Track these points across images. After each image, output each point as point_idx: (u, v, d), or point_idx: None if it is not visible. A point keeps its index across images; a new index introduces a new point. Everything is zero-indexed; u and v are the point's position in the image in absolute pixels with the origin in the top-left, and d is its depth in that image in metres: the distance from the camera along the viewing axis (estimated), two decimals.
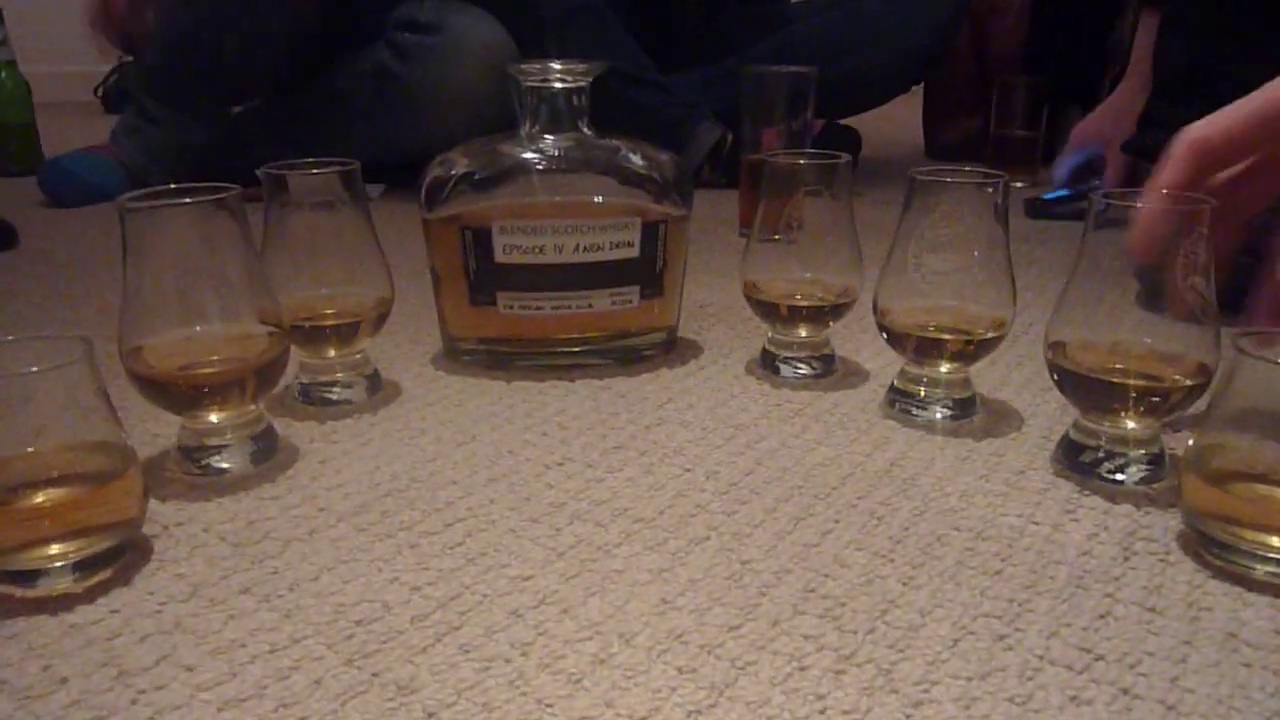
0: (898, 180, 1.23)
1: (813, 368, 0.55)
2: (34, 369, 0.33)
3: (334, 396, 0.51)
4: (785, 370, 0.55)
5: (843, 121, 1.30)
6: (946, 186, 0.47)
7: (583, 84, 0.54)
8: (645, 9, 1.25)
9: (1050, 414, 0.50)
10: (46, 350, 0.34)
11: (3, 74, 1.26)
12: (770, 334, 0.56)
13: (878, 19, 1.16)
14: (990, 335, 0.47)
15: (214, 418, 0.43)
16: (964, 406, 0.49)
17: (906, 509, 0.40)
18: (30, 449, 0.34)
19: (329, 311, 0.50)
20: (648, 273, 0.55)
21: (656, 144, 0.57)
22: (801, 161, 0.54)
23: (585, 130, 0.55)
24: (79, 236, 0.92)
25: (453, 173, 0.54)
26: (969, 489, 0.42)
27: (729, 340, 0.61)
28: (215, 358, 0.42)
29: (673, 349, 0.59)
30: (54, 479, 0.34)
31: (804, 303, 0.54)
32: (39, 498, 0.34)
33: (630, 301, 0.55)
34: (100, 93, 2.12)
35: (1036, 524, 0.39)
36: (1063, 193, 1.03)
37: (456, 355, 0.57)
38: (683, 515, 0.40)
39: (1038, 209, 1.02)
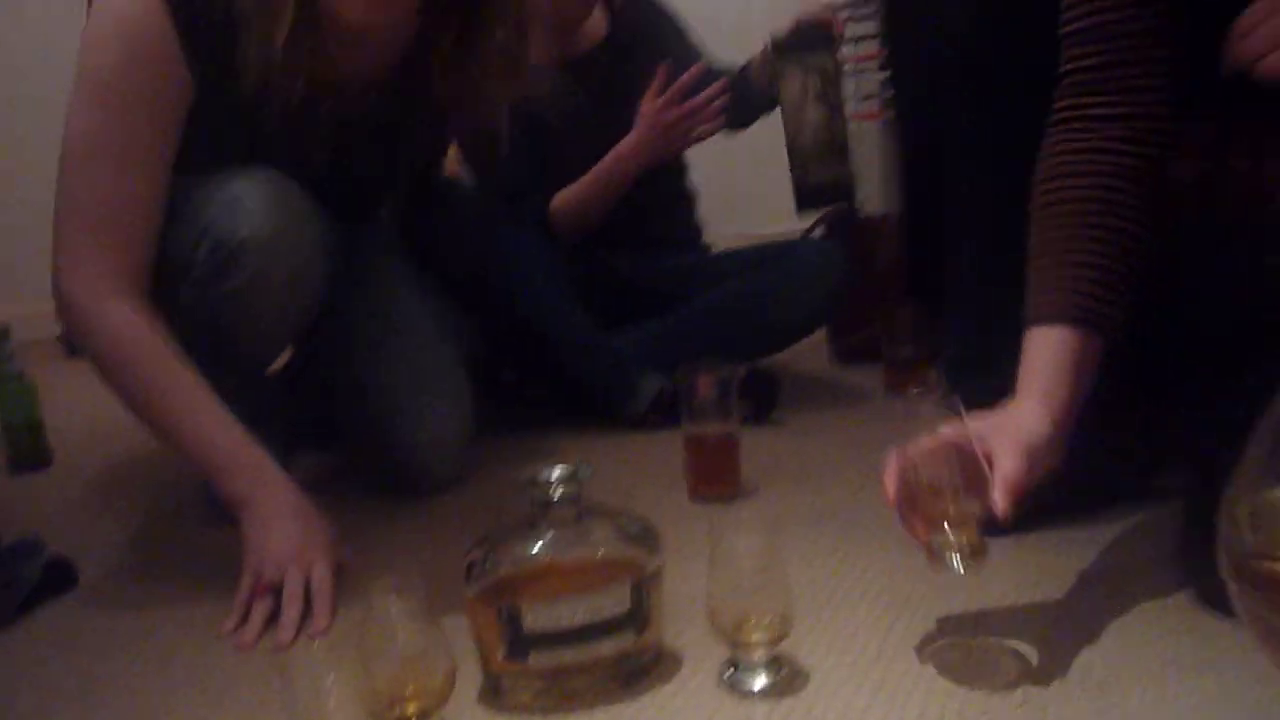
0: (814, 394, 1.45)
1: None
2: None
3: None
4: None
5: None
6: None
7: (579, 489, 0.72)
8: (587, 271, 1.47)
9: None
10: None
11: (12, 384, 1.40)
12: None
13: (783, 286, 1.41)
14: None
15: None
16: None
17: None
18: None
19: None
20: (639, 617, 0.72)
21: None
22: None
23: (578, 512, 0.73)
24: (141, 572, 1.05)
25: (486, 565, 0.71)
26: None
27: (703, 642, 0.78)
28: None
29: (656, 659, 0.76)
30: None
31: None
32: None
33: (628, 640, 0.72)
34: (61, 337, 2.25)
35: None
36: None
37: (497, 689, 0.73)
38: None
39: None
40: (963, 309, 1.01)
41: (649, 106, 1.39)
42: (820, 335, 1.64)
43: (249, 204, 0.95)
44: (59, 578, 1.00)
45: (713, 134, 1.44)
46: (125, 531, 1.19)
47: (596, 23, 1.55)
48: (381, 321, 1.22)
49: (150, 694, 0.79)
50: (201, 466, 0.92)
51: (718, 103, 1.39)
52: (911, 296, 1.44)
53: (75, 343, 0.96)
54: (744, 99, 1.47)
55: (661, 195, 1.54)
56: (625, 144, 1.41)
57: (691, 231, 1.65)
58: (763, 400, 1.35)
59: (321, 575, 0.87)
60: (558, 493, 0.72)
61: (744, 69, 1.51)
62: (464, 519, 1.10)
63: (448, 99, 1.09)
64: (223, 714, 0.75)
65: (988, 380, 0.82)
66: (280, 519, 0.90)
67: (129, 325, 0.91)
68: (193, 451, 0.92)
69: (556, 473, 0.72)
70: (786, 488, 1.12)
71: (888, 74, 1.62)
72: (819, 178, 1.42)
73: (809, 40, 1.40)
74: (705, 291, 1.45)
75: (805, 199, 1.44)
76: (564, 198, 1.46)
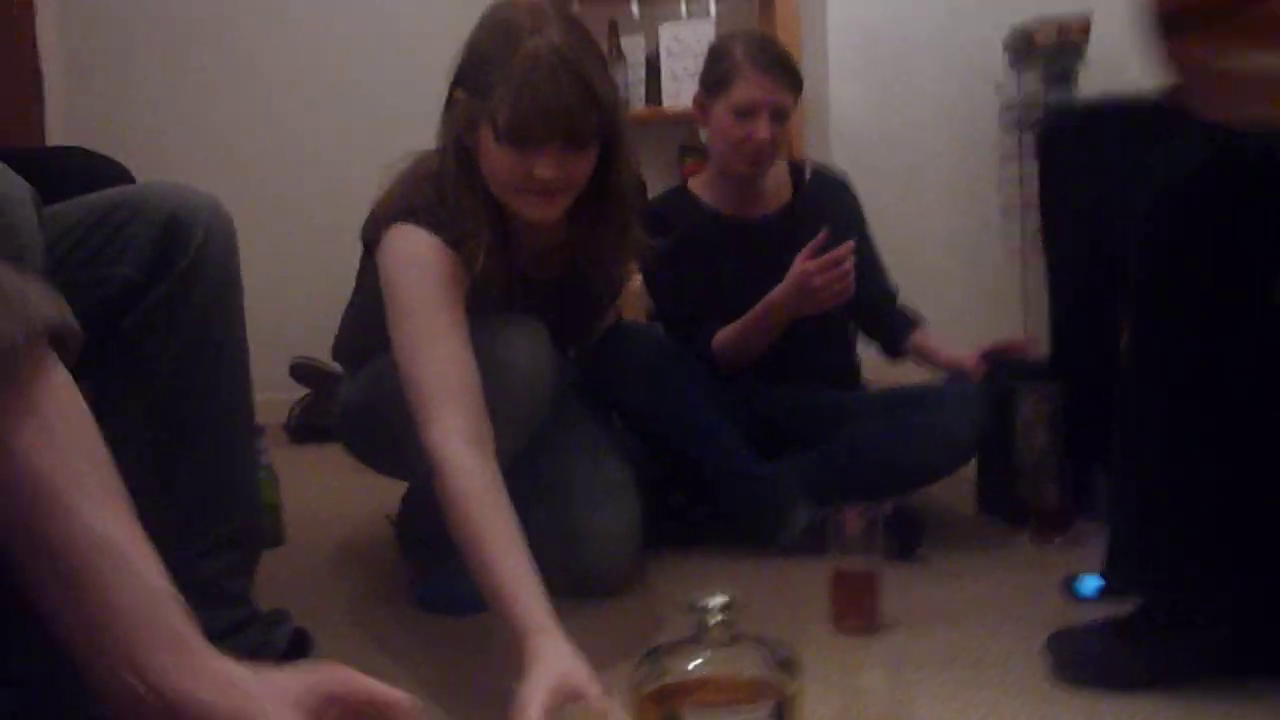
0: (960, 537, 1.53)
1: None
2: None
3: None
4: None
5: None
6: None
7: (734, 615, 0.86)
8: (745, 402, 1.62)
9: None
10: None
11: (262, 472, 1.67)
12: None
13: (922, 429, 1.52)
14: None
15: None
16: None
17: None
18: None
19: None
20: None
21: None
22: None
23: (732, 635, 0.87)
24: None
25: (654, 671, 0.86)
26: None
27: None
28: None
29: None
30: None
31: None
32: None
33: None
34: (289, 423, 2.59)
35: None
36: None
37: None
38: None
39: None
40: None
41: (801, 266, 1.51)
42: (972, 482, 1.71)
43: (512, 343, 1.24)
44: (300, 645, 1.21)
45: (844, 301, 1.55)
46: (353, 606, 1.40)
47: (782, 188, 1.72)
48: (566, 438, 1.43)
49: None
50: (498, 604, 1.03)
51: (848, 275, 1.51)
52: (1067, 452, 1.51)
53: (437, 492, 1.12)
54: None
55: (816, 336, 1.68)
56: (775, 293, 1.55)
57: (847, 370, 1.77)
58: (908, 538, 1.45)
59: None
60: (717, 618, 0.86)
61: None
62: (632, 626, 1.26)
63: (589, 264, 1.35)
64: None
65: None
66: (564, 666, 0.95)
67: (481, 484, 1.08)
68: (497, 590, 1.03)
69: (717, 600, 0.87)
70: (924, 626, 1.22)
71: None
72: (1022, 496, 1.54)
73: (1035, 369, 1.60)
74: (850, 428, 1.57)
75: (1015, 518, 1.56)
76: (723, 336, 1.62)
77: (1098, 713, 0.97)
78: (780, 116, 1.60)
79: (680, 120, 2.73)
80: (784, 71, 1.61)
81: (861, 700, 0.82)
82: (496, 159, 1.17)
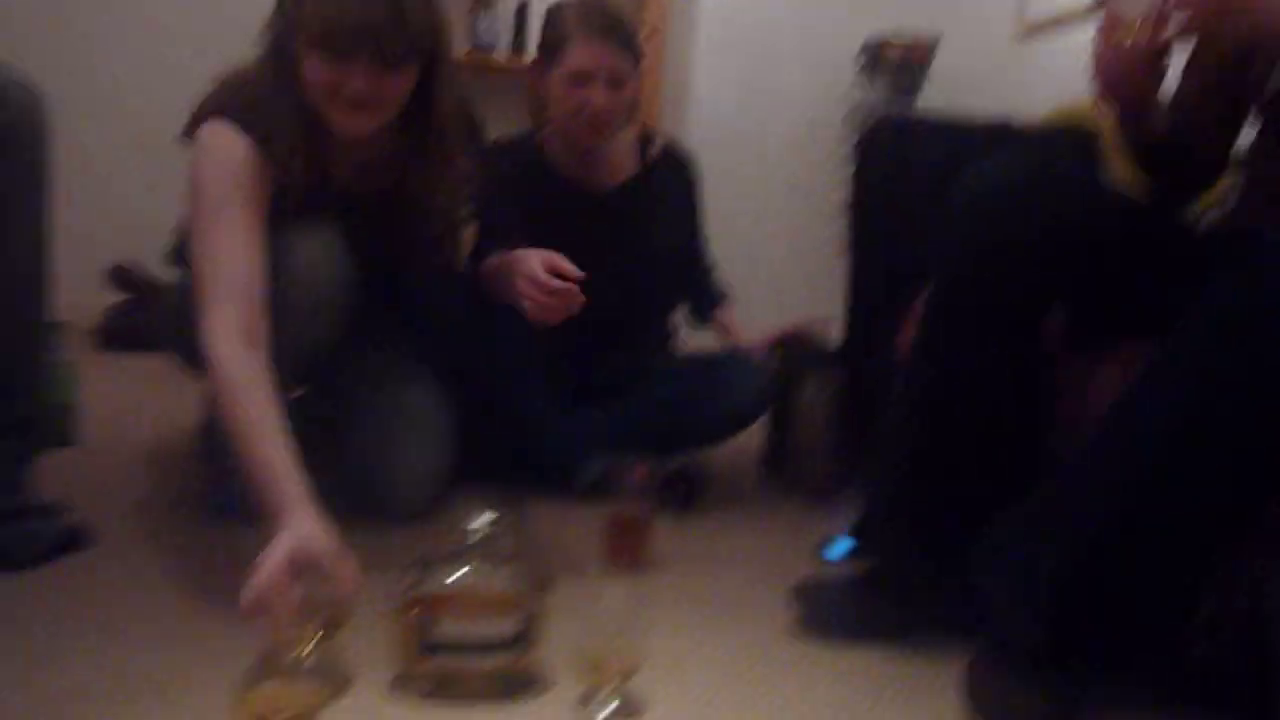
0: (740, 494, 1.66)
1: None
2: None
3: None
4: None
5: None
6: None
7: (496, 535, 0.94)
8: (558, 358, 1.68)
9: None
10: None
11: (56, 368, 1.63)
12: None
13: (709, 396, 1.64)
14: None
15: None
16: None
17: None
18: None
19: None
20: (524, 641, 0.93)
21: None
22: None
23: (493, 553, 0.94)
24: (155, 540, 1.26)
25: (415, 583, 0.93)
26: None
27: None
28: None
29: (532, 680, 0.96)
30: None
31: None
32: None
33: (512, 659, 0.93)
34: (101, 327, 2.49)
35: None
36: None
37: (405, 682, 0.94)
38: None
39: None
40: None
41: (534, 279, 1.36)
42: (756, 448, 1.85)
43: (301, 250, 1.25)
44: (77, 537, 1.21)
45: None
46: (141, 509, 1.41)
47: (627, 160, 1.72)
48: (384, 371, 1.49)
49: (150, 641, 1.01)
50: (258, 484, 1.08)
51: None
52: (840, 431, 1.66)
53: (209, 381, 1.17)
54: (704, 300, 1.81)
55: (636, 305, 1.74)
56: (513, 277, 1.39)
57: (660, 335, 1.86)
58: (689, 492, 1.56)
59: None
60: (479, 535, 0.94)
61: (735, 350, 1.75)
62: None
63: (411, 184, 1.37)
64: (207, 662, 0.97)
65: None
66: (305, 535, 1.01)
67: (248, 373, 1.12)
68: (255, 471, 1.08)
69: (483, 518, 0.94)
70: (684, 570, 1.33)
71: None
72: (798, 465, 1.69)
73: (822, 355, 1.71)
74: (646, 389, 1.67)
75: (791, 485, 1.70)
76: (488, 264, 1.51)
77: (821, 659, 1.10)
78: (615, 83, 1.57)
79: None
80: (618, 38, 1.58)
81: (597, 618, 0.91)
82: (309, 67, 1.21)
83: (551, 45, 1.60)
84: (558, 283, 1.33)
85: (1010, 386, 1.11)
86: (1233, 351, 0.86)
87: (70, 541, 1.20)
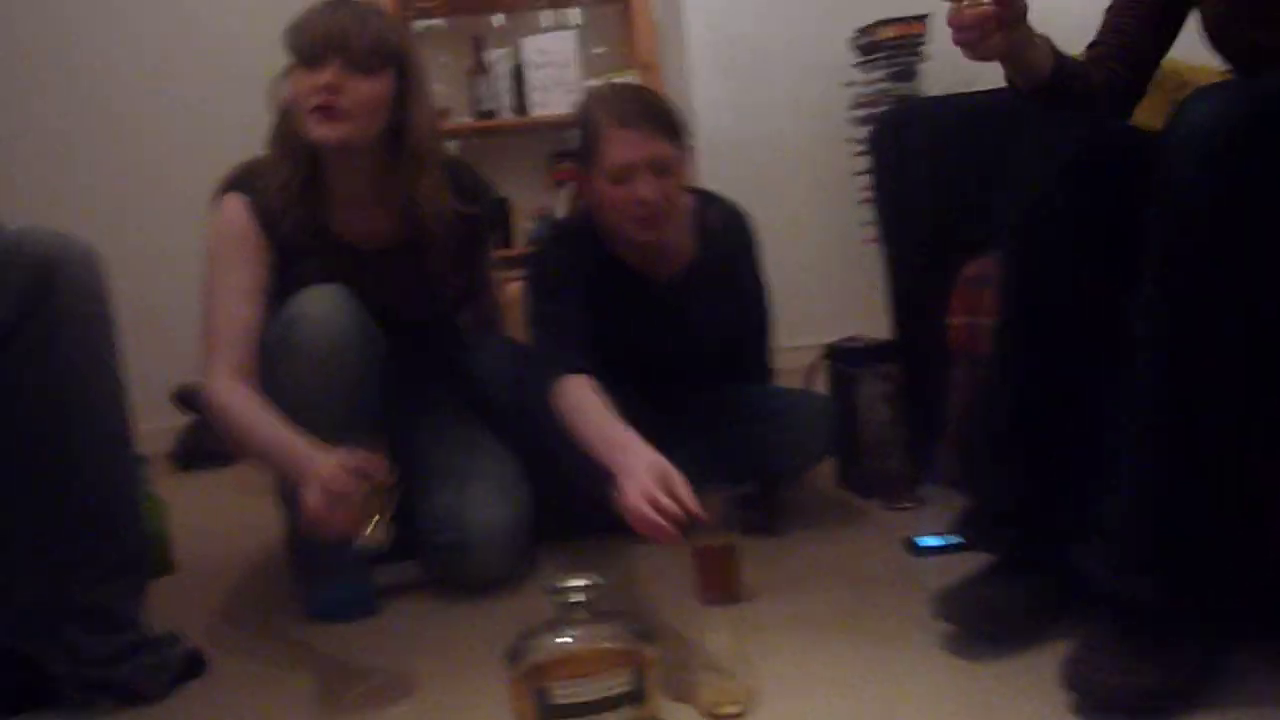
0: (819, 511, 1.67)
1: None
2: None
3: None
4: None
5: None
6: None
7: (593, 595, 0.96)
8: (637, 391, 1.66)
9: None
10: None
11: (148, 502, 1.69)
12: None
13: (778, 440, 1.61)
14: None
15: None
16: None
17: None
18: None
19: None
20: (639, 694, 0.95)
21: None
22: None
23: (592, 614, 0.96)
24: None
25: (523, 653, 0.95)
26: None
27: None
28: None
29: None
30: None
31: None
32: None
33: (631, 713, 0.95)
34: (175, 450, 2.58)
35: None
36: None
37: None
38: None
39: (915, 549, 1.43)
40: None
41: (642, 504, 1.13)
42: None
43: (308, 301, 1.36)
44: (194, 665, 1.26)
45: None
46: (244, 626, 1.45)
47: (685, 241, 1.60)
48: (454, 435, 1.55)
49: None
50: (277, 464, 1.27)
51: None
52: (907, 426, 1.66)
53: (212, 422, 1.36)
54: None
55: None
56: (619, 471, 1.20)
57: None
58: (769, 516, 1.57)
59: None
60: (575, 598, 0.96)
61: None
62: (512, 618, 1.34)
63: (410, 242, 1.48)
64: None
65: None
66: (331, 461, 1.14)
67: (237, 397, 1.31)
68: (266, 457, 1.28)
69: (574, 582, 0.96)
70: (782, 592, 1.34)
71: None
72: (871, 468, 1.68)
73: (875, 352, 1.71)
74: (717, 432, 1.61)
75: (868, 489, 1.70)
76: (572, 410, 1.37)
77: (947, 665, 1.09)
78: (661, 170, 1.44)
79: (548, 128, 2.82)
80: (654, 122, 1.46)
81: (709, 662, 0.92)
82: (293, 85, 1.36)
83: (587, 146, 1.48)
84: (670, 504, 1.12)
85: (1082, 383, 1.10)
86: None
87: (190, 669, 1.25)
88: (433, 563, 1.49)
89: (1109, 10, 1.29)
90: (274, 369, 1.35)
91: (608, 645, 0.96)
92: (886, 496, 1.65)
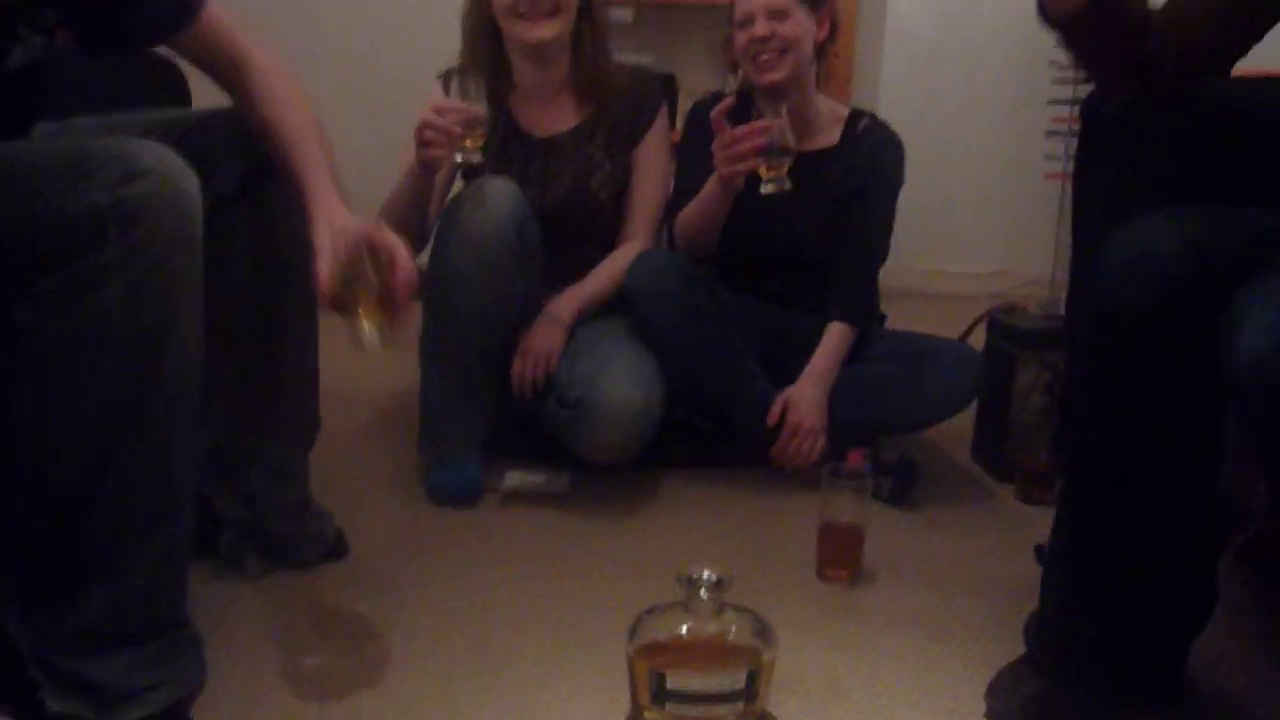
0: (951, 491, 1.62)
1: None
2: None
3: None
4: None
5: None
6: None
7: (721, 590, 0.97)
8: (759, 333, 1.68)
9: None
10: None
11: None
12: None
13: (921, 384, 1.61)
14: None
15: None
16: None
17: None
18: None
19: None
20: (751, 693, 0.97)
21: None
22: None
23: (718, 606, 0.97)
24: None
25: (645, 630, 0.97)
26: None
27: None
28: None
29: None
30: None
31: None
32: None
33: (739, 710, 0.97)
34: None
35: None
36: None
37: None
38: None
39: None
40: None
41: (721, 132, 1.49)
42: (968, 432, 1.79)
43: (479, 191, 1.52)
44: (339, 545, 1.33)
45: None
46: (368, 499, 1.53)
47: (830, 130, 1.72)
48: (599, 329, 1.62)
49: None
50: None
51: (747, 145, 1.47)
52: (1061, 420, 1.58)
53: None
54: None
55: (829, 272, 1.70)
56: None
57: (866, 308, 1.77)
58: (904, 485, 1.54)
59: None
60: (705, 590, 0.97)
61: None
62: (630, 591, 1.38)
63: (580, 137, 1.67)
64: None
65: None
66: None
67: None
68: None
69: (707, 575, 0.97)
70: (901, 582, 1.32)
71: None
72: (1014, 455, 1.62)
73: (1037, 334, 1.62)
74: (858, 369, 1.64)
75: (1005, 474, 1.64)
76: (685, 213, 1.66)
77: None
78: (776, 14, 1.60)
79: (725, 6, 2.66)
80: None
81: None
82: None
83: (731, 8, 1.68)
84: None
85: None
86: None
87: (336, 548, 1.33)
88: (558, 421, 1.52)
89: None
90: (441, 248, 1.50)
91: (729, 640, 0.98)
92: (1024, 490, 1.59)
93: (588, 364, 1.52)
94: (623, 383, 1.49)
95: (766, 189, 1.46)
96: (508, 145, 1.66)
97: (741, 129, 1.47)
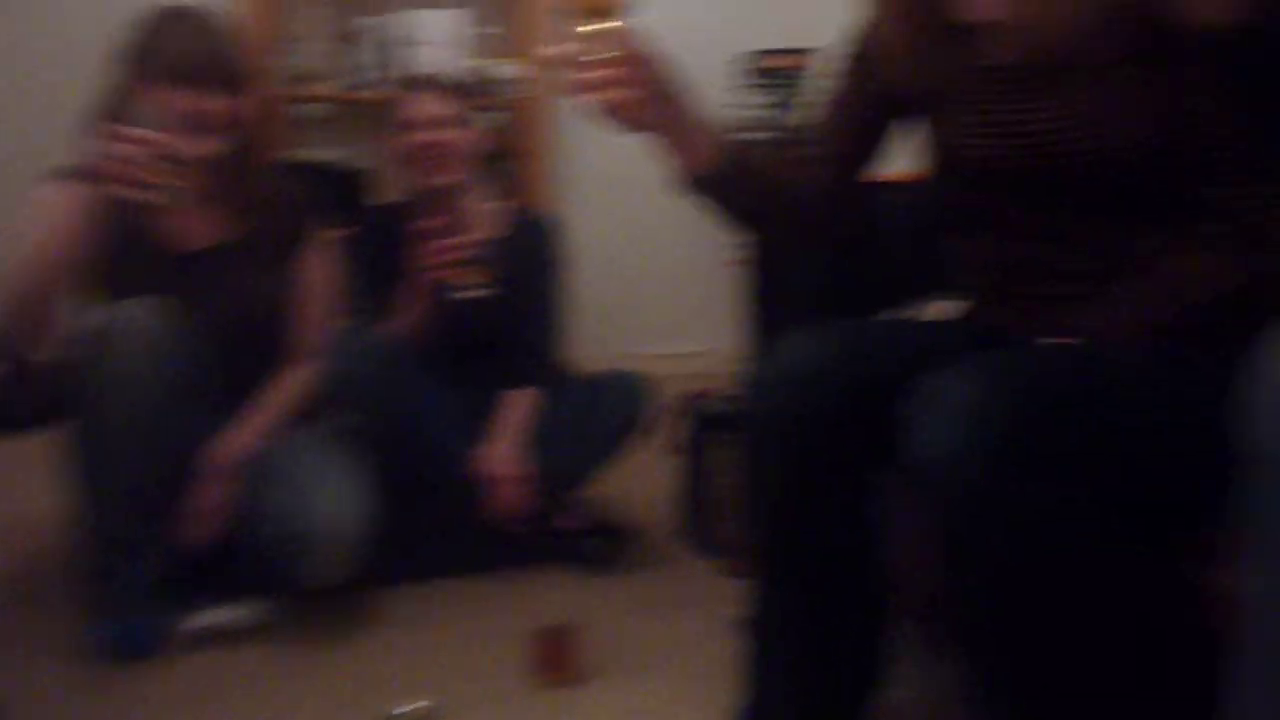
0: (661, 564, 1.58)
1: None
2: None
3: None
4: None
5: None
6: None
7: None
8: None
9: None
10: None
11: None
12: None
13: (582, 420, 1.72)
14: None
15: None
16: None
17: None
18: None
19: None
20: None
21: None
22: None
23: None
24: None
25: None
26: None
27: None
28: None
29: None
30: None
31: None
32: None
33: None
34: None
35: None
36: None
37: None
38: None
39: None
40: None
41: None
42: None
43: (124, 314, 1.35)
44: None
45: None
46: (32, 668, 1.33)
47: (498, 219, 1.81)
48: (297, 444, 1.51)
49: None
50: None
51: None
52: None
53: None
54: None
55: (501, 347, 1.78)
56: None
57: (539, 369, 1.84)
58: (611, 543, 1.63)
59: None
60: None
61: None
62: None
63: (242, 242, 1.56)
64: None
65: None
66: None
67: None
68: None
69: (412, 710, 0.93)
70: (619, 679, 1.32)
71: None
72: (718, 533, 1.69)
73: (727, 415, 1.71)
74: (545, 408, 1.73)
75: (700, 548, 1.73)
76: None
77: None
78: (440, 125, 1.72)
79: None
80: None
81: None
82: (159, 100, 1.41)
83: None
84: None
85: None
86: None
87: None
88: (258, 553, 1.41)
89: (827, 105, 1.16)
90: (90, 391, 1.32)
91: None
92: (730, 566, 1.66)
93: (289, 493, 1.41)
94: (331, 506, 1.40)
95: (465, 294, 1.52)
96: (154, 260, 1.50)
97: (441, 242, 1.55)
